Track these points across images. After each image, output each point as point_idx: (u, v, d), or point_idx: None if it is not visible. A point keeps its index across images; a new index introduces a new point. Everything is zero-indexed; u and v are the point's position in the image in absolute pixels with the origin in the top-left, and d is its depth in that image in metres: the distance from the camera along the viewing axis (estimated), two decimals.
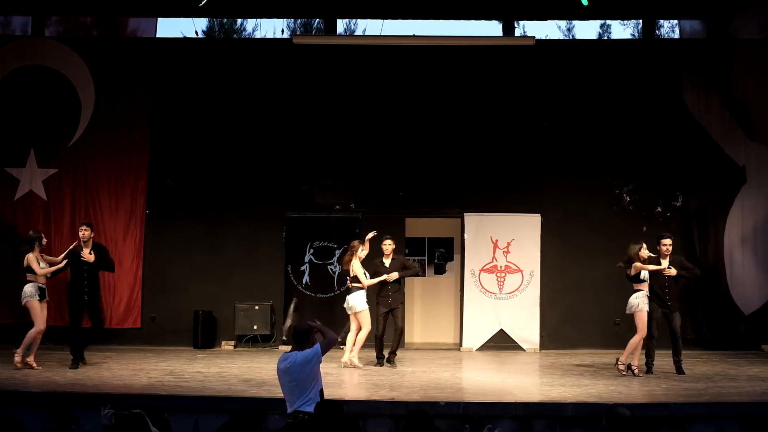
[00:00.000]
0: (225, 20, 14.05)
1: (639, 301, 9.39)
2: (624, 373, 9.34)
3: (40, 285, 9.65)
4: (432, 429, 4.79)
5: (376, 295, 10.33)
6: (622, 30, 13.97)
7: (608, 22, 13.95)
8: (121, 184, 12.38)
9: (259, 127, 12.49)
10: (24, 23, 12.78)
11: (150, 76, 12.43)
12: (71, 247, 10.06)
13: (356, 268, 9.98)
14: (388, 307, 10.20)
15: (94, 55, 12.43)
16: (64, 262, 9.85)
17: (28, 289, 9.63)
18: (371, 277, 10.09)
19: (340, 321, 12.07)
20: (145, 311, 12.30)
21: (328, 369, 9.32)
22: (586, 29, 14.88)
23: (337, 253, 12.30)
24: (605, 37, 13.99)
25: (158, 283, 12.30)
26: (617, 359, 9.53)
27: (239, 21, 14.10)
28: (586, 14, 12.60)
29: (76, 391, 8.06)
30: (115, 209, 12.34)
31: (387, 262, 10.26)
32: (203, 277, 12.25)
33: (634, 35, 13.75)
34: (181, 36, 13.06)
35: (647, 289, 9.44)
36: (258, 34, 13.63)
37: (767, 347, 11.85)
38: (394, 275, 10.09)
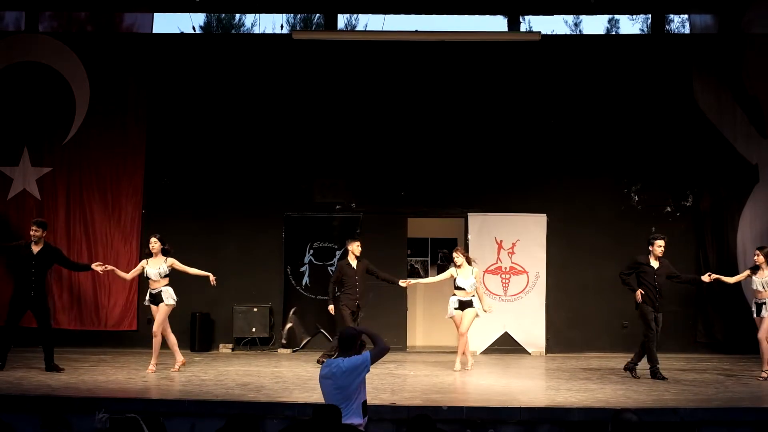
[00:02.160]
0: (223, 15, 14.05)
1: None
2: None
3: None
4: None
5: (342, 293, 10.56)
6: (630, 25, 13.98)
7: (616, 16, 13.94)
8: (117, 183, 12.39)
9: (258, 125, 12.50)
10: (17, 18, 12.79)
11: (146, 73, 12.43)
12: (19, 242, 10.15)
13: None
14: (353, 308, 10.48)
15: (89, 52, 12.44)
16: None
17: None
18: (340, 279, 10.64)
19: (341, 324, 12.07)
20: (141, 313, 12.29)
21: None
22: (594, 24, 14.89)
23: (338, 253, 12.31)
24: (613, 33, 13.98)
25: None
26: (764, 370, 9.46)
27: (237, 16, 14.09)
28: (593, 9, 12.58)
29: (69, 395, 8.06)
30: (110, 209, 12.36)
31: (354, 263, 10.59)
32: (200, 279, 12.22)
33: (643, 30, 13.73)
34: (178, 32, 13.07)
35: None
36: (257, 30, 13.67)
37: None
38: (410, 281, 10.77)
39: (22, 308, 9.87)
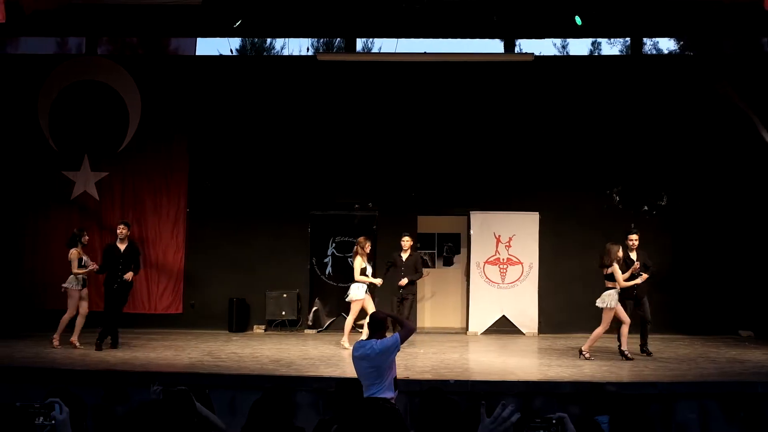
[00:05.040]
0: (256, 40, 14.06)
1: (610, 299, 9.09)
2: (587, 358, 9.14)
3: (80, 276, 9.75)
4: (445, 403, 4.73)
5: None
6: (609, 47, 13.92)
7: (598, 40, 13.87)
8: (165, 185, 12.41)
9: (287, 135, 12.49)
10: (78, 43, 12.88)
11: (190, 89, 12.44)
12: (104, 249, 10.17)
13: (356, 263, 10.08)
14: (399, 297, 10.33)
15: (141, 71, 12.47)
16: (96, 268, 9.85)
17: (71, 278, 9.73)
18: (385, 268, 10.42)
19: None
20: (185, 298, 12.34)
21: (348, 351, 9.38)
22: (579, 46, 14.84)
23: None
24: (596, 54, 13.89)
25: (197, 274, 12.34)
26: (581, 349, 9.30)
27: (269, 40, 14.11)
28: (579, 33, 12.51)
29: (126, 370, 8.09)
30: (159, 208, 12.38)
31: (404, 256, 10.35)
32: (237, 268, 12.26)
33: (621, 51, 13.65)
34: (217, 54, 13.09)
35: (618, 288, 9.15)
36: (285, 52, 13.64)
37: (744, 332, 11.74)
38: (378, 281, 10.25)
39: (110, 297, 9.85)
